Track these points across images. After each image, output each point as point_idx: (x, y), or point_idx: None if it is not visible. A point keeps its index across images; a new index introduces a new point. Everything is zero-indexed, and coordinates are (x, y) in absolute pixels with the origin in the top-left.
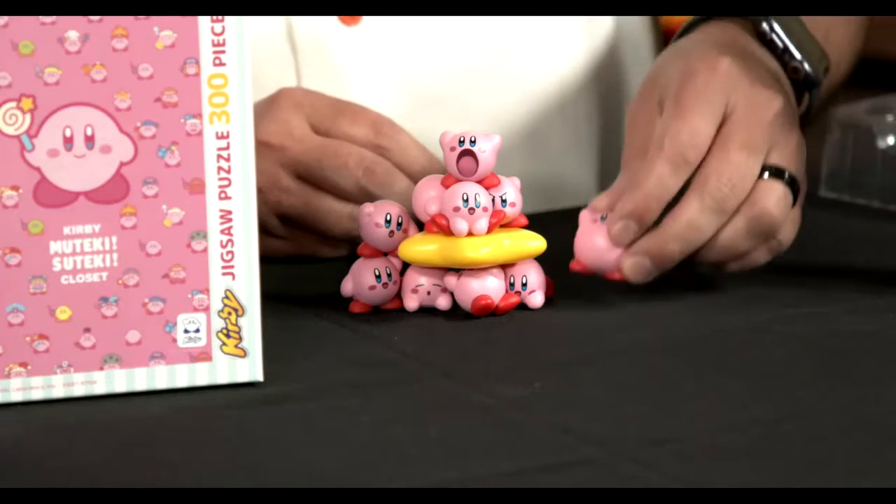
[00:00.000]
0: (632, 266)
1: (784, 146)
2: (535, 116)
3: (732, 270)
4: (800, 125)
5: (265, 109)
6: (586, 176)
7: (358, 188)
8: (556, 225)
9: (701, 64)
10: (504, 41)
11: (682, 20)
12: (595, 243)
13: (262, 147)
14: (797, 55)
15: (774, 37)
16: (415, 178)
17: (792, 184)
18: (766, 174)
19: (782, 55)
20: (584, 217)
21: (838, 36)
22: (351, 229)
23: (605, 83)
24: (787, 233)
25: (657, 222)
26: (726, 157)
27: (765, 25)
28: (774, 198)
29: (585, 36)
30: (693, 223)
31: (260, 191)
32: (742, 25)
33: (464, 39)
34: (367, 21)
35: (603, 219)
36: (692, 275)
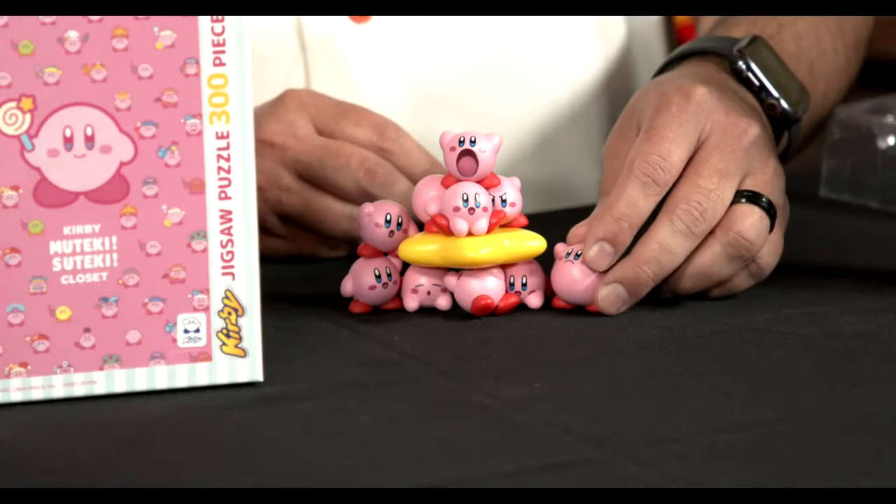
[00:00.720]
0: (606, 296)
1: (760, 172)
2: (545, 118)
3: (715, 296)
4: (779, 160)
5: (270, 109)
6: (596, 179)
7: (358, 189)
8: (557, 225)
9: (676, 92)
10: (515, 42)
11: (689, 21)
12: (571, 277)
13: (265, 146)
14: (774, 93)
15: (750, 75)
16: (416, 181)
17: (769, 209)
18: (742, 199)
19: (759, 92)
20: (558, 252)
21: (826, 67)
22: (350, 230)
23: (617, 85)
24: (767, 256)
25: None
26: (697, 182)
27: (741, 63)
28: (749, 221)
29: (597, 38)
30: (664, 245)
31: (260, 189)
32: (719, 64)
33: (473, 40)
34: (377, 19)
35: (578, 256)
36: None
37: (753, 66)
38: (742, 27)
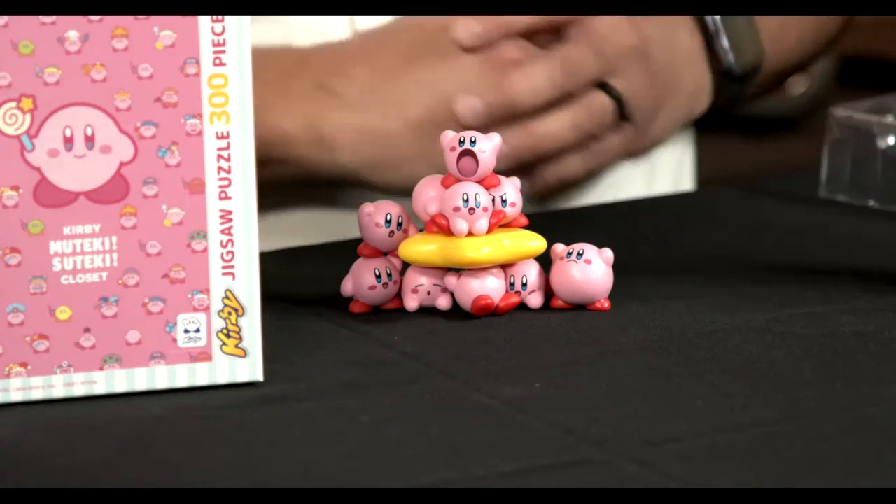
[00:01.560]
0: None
1: (630, 79)
2: None
3: (550, 181)
4: (713, 109)
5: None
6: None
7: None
8: (557, 225)
9: None
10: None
11: None
12: (571, 277)
13: None
14: (725, 44)
15: (710, 20)
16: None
17: (621, 104)
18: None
19: (711, 38)
20: (558, 252)
21: (801, 21)
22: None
23: None
24: (610, 145)
25: None
26: (575, 46)
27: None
28: (602, 100)
29: None
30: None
31: None
32: None
33: None
34: None
35: (580, 255)
36: (692, 274)
37: (719, 23)
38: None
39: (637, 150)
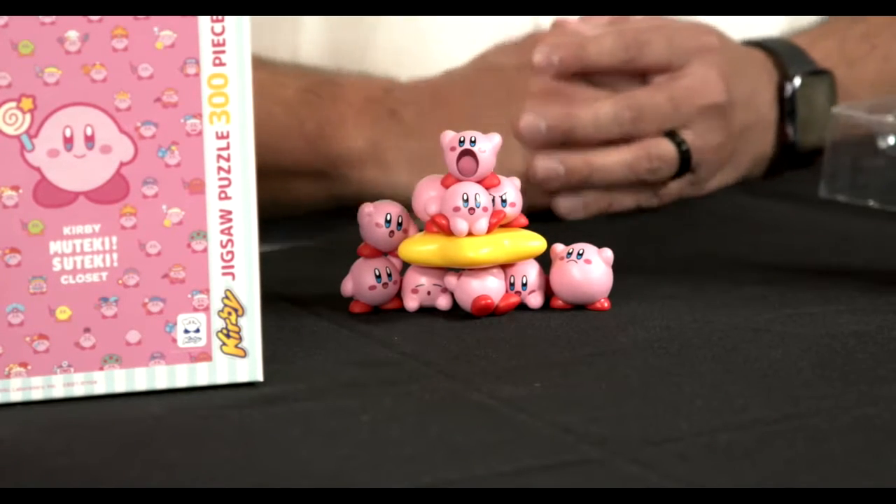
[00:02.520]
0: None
1: (704, 134)
2: None
3: (594, 208)
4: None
5: None
6: None
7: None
8: (557, 225)
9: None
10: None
11: None
12: (571, 277)
13: None
14: (792, 128)
15: (790, 97)
16: None
17: (686, 156)
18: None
19: (787, 114)
20: (558, 252)
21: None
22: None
23: None
24: (665, 190)
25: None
26: (656, 94)
27: (788, 86)
28: (666, 149)
29: None
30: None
31: None
32: (773, 62)
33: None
34: None
35: (580, 255)
36: (691, 274)
37: (797, 97)
38: (829, 42)
39: (687, 195)
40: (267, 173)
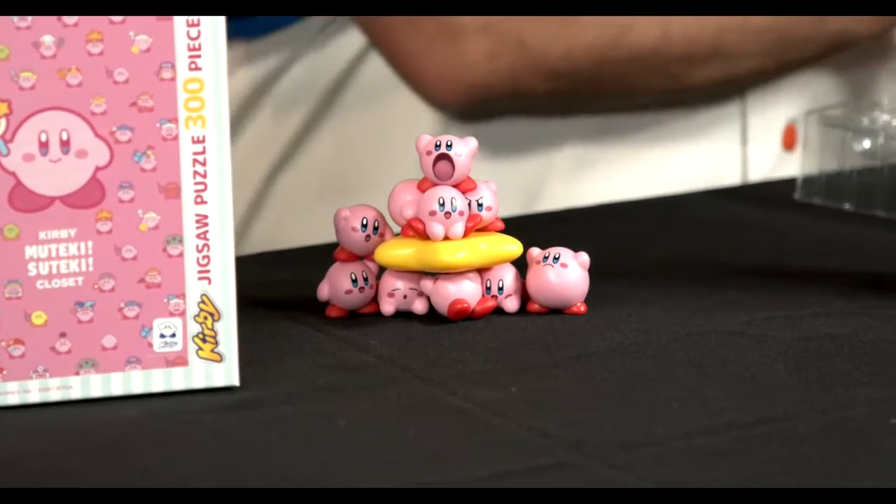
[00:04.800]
0: None
1: None
2: None
3: None
4: None
5: None
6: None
7: None
8: (533, 229)
9: None
10: None
11: None
12: (547, 281)
13: None
14: None
15: None
16: None
17: None
18: None
19: None
20: (534, 256)
21: None
22: None
23: None
24: None
25: None
26: None
27: None
28: None
29: None
30: None
31: None
32: None
33: None
34: None
35: (556, 259)
36: (668, 278)
37: None
38: None
39: None
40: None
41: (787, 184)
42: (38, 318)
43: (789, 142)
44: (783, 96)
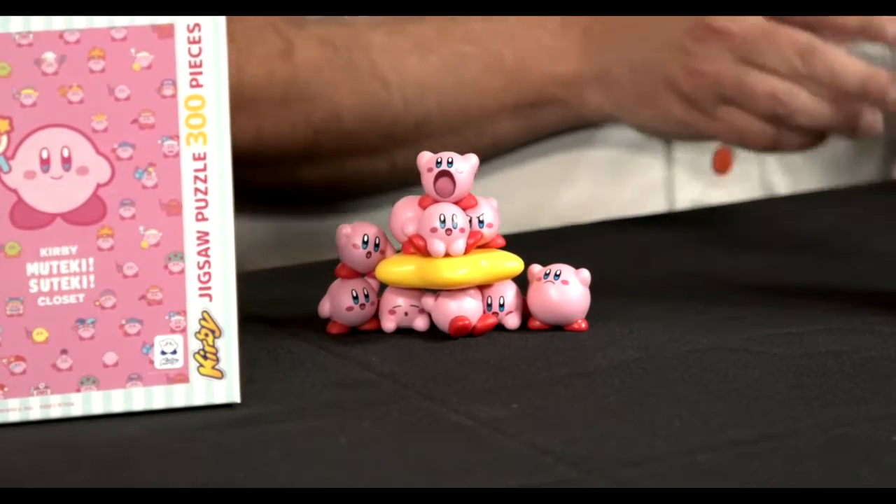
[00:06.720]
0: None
1: None
2: None
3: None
4: None
5: None
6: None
7: (791, 69)
8: (534, 246)
9: None
10: None
11: None
12: (548, 298)
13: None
14: None
15: None
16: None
17: None
18: None
19: None
20: (535, 273)
21: None
22: (777, 106)
23: None
24: None
25: None
26: None
27: None
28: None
29: None
30: None
31: (702, 74)
32: None
33: None
34: None
35: (557, 276)
36: (669, 295)
37: None
38: None
39: None
40: (468, 119)
41: (787, 201)
42: (40, 334)
43: (722, 165)
44: None
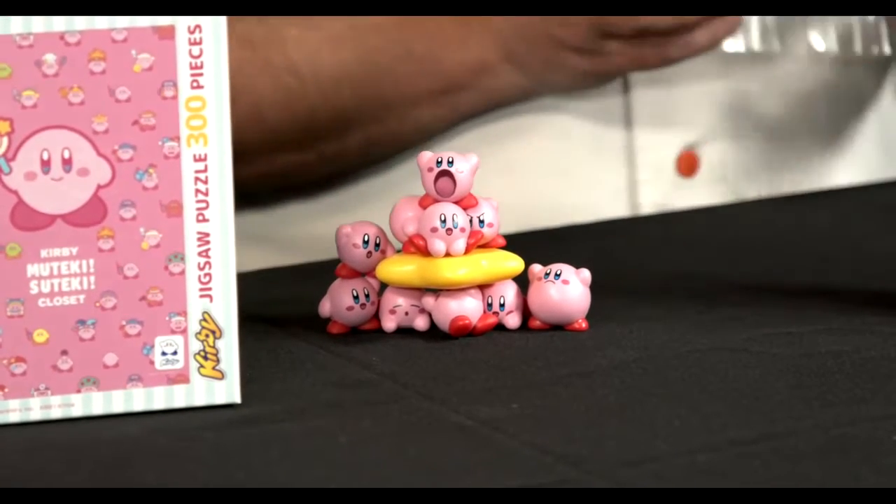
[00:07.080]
0: None
1: None
2: None
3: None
4: None
5: None
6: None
7: None
8: (534, 245)
9: None
10: None
11: None
12: (549, 298)
13: None
14: None
15: None
16: None
17: None
18: None
19: None
20: (536, 273)
21: None
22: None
23: None
24: None
25: None
26: None
27: None
28: None
29: None
30: None
31: None
32: None
33: None
34: None
35: (557, 276)
36: (669, 295)
37: None
38: None
39: None
40: (388, 106)
41: (786, 201)
42: (40, 335)
43: (688, 167)
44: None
